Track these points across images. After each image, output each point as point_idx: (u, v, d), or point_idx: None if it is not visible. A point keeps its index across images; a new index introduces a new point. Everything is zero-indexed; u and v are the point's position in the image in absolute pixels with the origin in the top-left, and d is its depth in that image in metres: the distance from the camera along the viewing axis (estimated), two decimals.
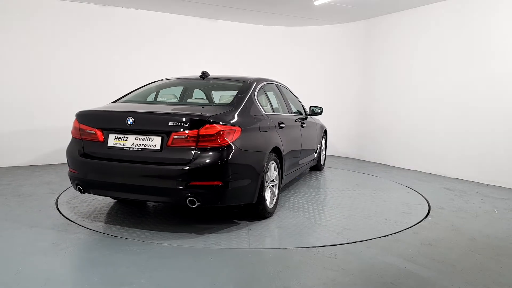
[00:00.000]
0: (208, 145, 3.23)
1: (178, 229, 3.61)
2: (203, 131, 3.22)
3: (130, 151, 3.37)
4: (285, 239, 3.39)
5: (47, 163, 6.98)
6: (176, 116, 3.31)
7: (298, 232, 3.57)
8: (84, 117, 3.66)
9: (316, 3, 6.63)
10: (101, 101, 7.31)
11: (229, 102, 3.91)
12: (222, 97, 4.52)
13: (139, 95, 4.41)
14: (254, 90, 4.17)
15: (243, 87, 4.18)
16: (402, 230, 3.66)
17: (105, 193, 3.68)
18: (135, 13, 7.52)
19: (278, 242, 3.37)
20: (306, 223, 3.85)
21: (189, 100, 4.50)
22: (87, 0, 6.95)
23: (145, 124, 3.39)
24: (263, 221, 3.85)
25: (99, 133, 3.50)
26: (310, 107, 5.70)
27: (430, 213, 4.25)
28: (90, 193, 3.62)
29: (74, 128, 3.71)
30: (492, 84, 5.76)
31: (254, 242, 3.30)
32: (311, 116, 5.78)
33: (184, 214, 4.06)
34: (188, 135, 3.23)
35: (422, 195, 5.03)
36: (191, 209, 4.18)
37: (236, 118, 3.55)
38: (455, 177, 6.27)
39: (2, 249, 3.07)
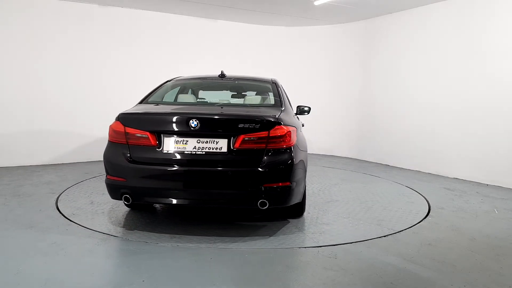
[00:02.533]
0: (277, 146, 3.23)
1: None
2: (273, 132, 3.22)
3: (192, 154, 3.19)
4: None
5: (47, 163, 6.98)
6: (246, 118, 3.24)
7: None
8: (132, 120, 3.33)
9: (316, 3, 6.63)
10: (101, 101, 7.36)
11: (272, 102, 3.97)
12: (251, 97, 4.39)
13: (171, 96, 4.18)
14: (283, 90, 4.24)
15: (273, 88, 4.23)
16: (402, 230, 3.66)
17: (161, 201, 3.35)
18: (135, 13, 7.52)
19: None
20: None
21: (230, 101, 4.38)
22: (87, 0, 6.95)
23: (211, 126, 3.24)
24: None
25: (151, 136, 3.24)
26: (298, 106, 4.80)
27: (430, 213, 4.25)
28: (140, 202, 3.36)
29: (116, 132, 3.35)
30: (492, 84, 5.76)
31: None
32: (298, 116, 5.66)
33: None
34: (258, 137, 3.20)
35: (422, 195, 5.03)
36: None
37: (291, 119, 3.62)
38: (455, 177, 6.27)
39: (2, 249, 3.07)
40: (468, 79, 6.09)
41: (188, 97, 4.32)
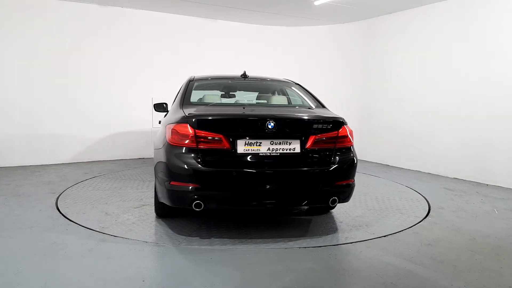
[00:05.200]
0: (343, 145, 3.39)
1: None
2: (341, 132, 3.38)
3: (266, 156, 3.19)
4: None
5: (47, 163, 6.98)
6: (320, 119, 3.37)
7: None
8: (204, 122, 3.18)
9: (316, 3, 6.63)
10: (101, 101, 7.35)
11: (311, 103, 4.00)
12: (278, 98, 4.39)
13: (208, 97, 4.08)
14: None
15: (300, 89, 4.33)
16: (402, 230, 3.66)
17: (236, 205, 3.30)
18: (135, 13, 7.52)
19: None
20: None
21: (272, 101, 4.29)
22: (87, 0, 6.95)
23: (286, 128, 3.26)
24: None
25: (225, 139, 3.15)
26: None
27: (430, 213, 4.24)
28: (213, 207, 3.21)
29: (183, 135, 3.16)
30: (492, 84, 5.76)
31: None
32: None
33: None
34: (329, 137, 3.33)
35: (422, 195, 5.03)
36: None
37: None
38: (455, 177, 6.27)
39: (2, 249, 3.07)
40: (468, 79, 6.09)
41: (226, 98, 4.36)
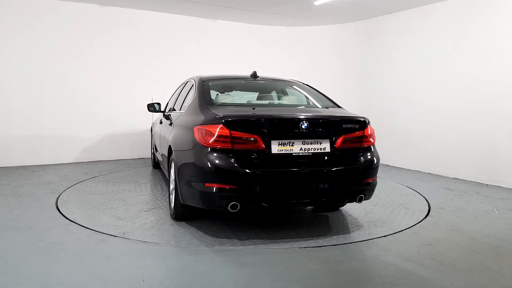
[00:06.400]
0: (368, 144, 3.53)
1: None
2: (367, 131, 3.51)
3: (299, 156, 3.25)
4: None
5: (47, 163, 6.98)
6: (349, 119, 3.47)
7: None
8: (240, 124, 3.17)
9: (316, 3, 6.63)
10: (101, 101, 7.35)
11: (328, 103, 4.09)
12: (290, 98, 4.43)
13: (226, 97, 4.11)
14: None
15: (312, 89, 4.41)
16: (402, 230, 3.66)
17: (271, 205, 3.28)
18: (135, 13, 7.52)
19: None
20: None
21: (293, 102, 4.35)
22: (87, 0, 6.95)
23: (318, 128, 3.33)
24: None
25: (260, 140, 3.17)
26: None
27: (430, 213, 4.24)
28: (247, 208, 3.20)
29: (220, 136, 3.13)
30: (492, 84, 5.76)
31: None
32: None
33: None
34: (356, 136, 3.44)
35: (422, 195, 5.03)
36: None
37: None
38: (455, 177, 6.27)
39: (2, 249, 3.07)
40: (468, 79, 6.08)
41: (245, 98, 4.40)
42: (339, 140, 3.36)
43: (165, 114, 5.05)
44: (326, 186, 3.30)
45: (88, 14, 7.10)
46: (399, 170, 6.98)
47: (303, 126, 3.22)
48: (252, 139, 3.15)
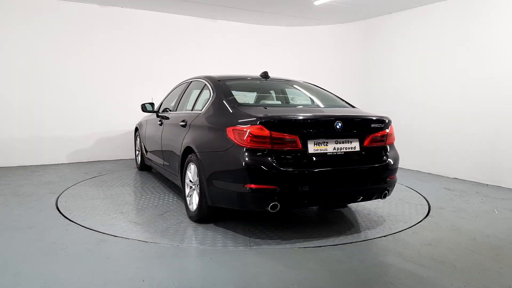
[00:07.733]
0: (390, 143, 3.72)
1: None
2: (389, 130, 3.70)
3: (334, 155, 3.34)
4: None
5: (47, 163, 6.98)
6: (377, 119, 3.59)
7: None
8: (279, 124, 3.17)
9: (316, 3, 6.63)
10: (101, 101, 7.35)
11: (342, 102, 4.20)
12: (300, 98, 4.50)
13: (247, 98, 4.14)
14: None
15: (321, 90, 4.52)
16: (402, 230, 3.66)
17: (309, 204, 3.41)
18: (135, 13, 7.52)
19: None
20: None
21: (317, 102, 4.38)
22: (87, 0, 6.95)
23: (349, 127, 3.41)
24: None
25: (298, 140, 3.22)
26: None
27: (430, 213, 4.24)
28: (286, 208, 3.26)
29: (259, 136, 3.13)
30: (491, 84, 5.76)
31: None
32: None
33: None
34: (382, 135, 3.60)
35: (422, 195, 5.03)
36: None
37: None
38: (455, 177, 6.27)
39: (2, 249, 3.07)
40: (468, 79, 6.08)
41: (270, 99, 4.53)
42: (367, 139, 3.49)
43: (165, 114, 5.02)
44: (360, 184, 3.42)
45: (88, 14, 7.10)
46: (399, 170, 6.96)
47: (337, 126, 3.32)
48: (292, 139, 3.19)
